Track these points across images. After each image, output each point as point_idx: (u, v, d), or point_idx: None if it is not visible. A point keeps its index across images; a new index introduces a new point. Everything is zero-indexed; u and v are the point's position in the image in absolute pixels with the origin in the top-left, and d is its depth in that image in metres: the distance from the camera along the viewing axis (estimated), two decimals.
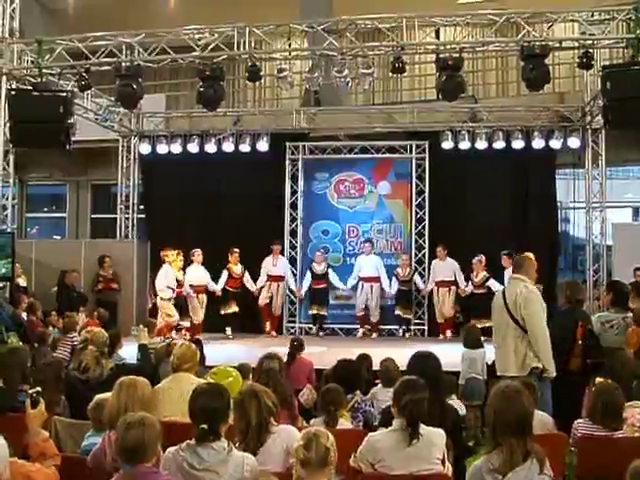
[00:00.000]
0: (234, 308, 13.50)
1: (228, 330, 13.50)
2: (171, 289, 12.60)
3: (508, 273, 11.99)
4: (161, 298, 12.60)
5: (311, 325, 14.31)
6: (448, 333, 13.33)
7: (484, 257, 12.83)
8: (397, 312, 13.82)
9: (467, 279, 13.19)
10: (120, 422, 3.55)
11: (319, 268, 13.94)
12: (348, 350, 8.96)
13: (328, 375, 6.65)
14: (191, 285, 13.12)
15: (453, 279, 13.32)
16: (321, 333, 13.96)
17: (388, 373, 6.80)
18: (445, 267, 13.34)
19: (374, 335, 13.81)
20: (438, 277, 13.43)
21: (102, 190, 17.91)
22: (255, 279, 13.72)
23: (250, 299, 13.81)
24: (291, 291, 14.35)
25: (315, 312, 14.00)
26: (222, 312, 13.48)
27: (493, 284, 12.49)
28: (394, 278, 13.76)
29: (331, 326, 14.36)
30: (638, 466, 3.19)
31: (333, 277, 14.02)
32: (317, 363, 8.27)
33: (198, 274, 13.27)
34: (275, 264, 13.83)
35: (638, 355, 7.06)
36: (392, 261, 14.28)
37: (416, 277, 13.79)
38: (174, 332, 12.45)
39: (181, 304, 12.94)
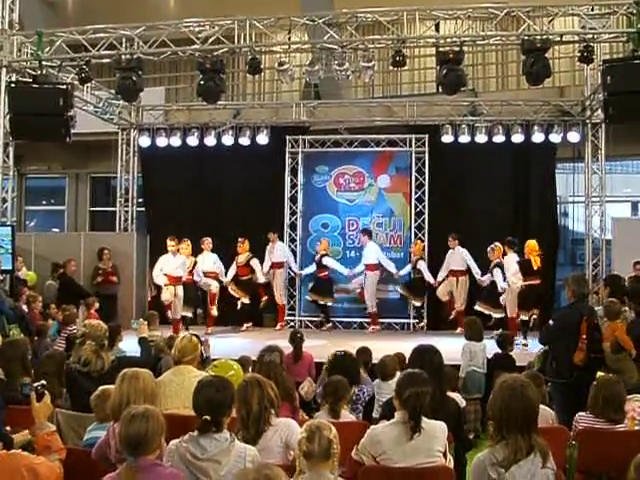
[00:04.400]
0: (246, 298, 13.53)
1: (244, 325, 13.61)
2: (166, 276, 12.55)
3: (510, 259, 11.95)
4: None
5: (311, 318, 14.30)
6: (458, 329, 12.98)
7: (499, 244, 12.31)
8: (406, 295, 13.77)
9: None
10: (124, 414, 3.56)
11: (317, 257, 13.91)
12: (348, 343, 8.98)
13: (326, 368, 6.68)
14: (203, 273, 13.10)
15: (464, 268, 13.12)
16: (326, 326, 13.84)
17: (385, 367, 6.83)
18: (456, 256, 13.20)
19: (370, 329, 13.72)
20: (451, 266, 13.27)
21: (101, 183, 17.93)
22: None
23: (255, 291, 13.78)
24: (291, 277, 14.36)
25: (315, 299, 13.88)
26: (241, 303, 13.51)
27: (497, 273, 12.24)
28: (409, 264, 13.73)
29: (332, 319, 14.34)
30: None
31: (333, 263, 13.90)
32: (317, 356, 8.29)
33: (209, 262, 13.26)
34: (272, 251, 13.81)
35: (614, 349, 7.10)
36: (392, 254, 14.28)
37: (419, 264, 13.49)
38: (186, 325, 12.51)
39: (195, 294, 13.01)
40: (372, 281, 13.63)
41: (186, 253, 12.74)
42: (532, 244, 11.70)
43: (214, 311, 13.26)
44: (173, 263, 12.53)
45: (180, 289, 12.51)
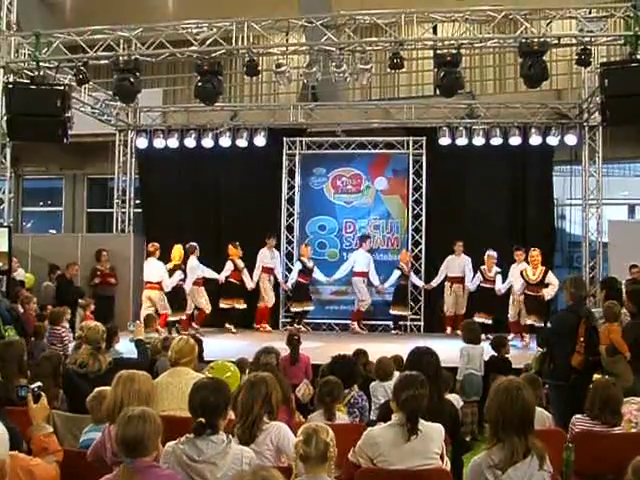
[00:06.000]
0: (238, 304, 13.52)
1: (231, 326, 13.54)
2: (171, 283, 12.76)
3: (519, 267, 12.04)
4: (158, 289, 12.79)
5: (307, 320, 14.21)
6: (448, 330, 13.30)
7: (495, 253, 12.69)
8: (393, 312, 13.74)
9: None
10: (121, 416, 3.54)
11: (310, 264, 13.88)
12: (345, 346, 8.98)
13: (324, 371, 6.67)
14: (195, 280, 13.22)
15: (463, 275, 13.24)
16: (303, 328, 13.71)
17: (383, 367, 6.84)
18: (461, 263, 13.27)
19: (355, 327, 13.73)
20: (452, 272, 13.33)
21: (98, 184, 17.88)
22: (250, 272, 13.66)
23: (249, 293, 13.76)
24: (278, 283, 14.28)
25: (300, 309, 13.84)
26: (223, 305, 13.50)
27: (499, 278, 12.52)
28: (398, 272, 13.67)
29: (327, 321, 14.36)
30: None
31: (318, 274, 14.00)
32: (314, 359, 8.28)
33: (197, 269, 13.34)
34: (273, 257, 13.84)
35: (609, 352, 7.11)
36: (389, 256, 14.29)
37: (412, 275, 13.73)
38: (169, 329, 12.56)
39: (178, 298, 12.98)
40: (360, 284, 13.72)
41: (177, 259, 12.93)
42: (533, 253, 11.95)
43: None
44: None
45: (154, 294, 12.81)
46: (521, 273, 11.99)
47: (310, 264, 13.89)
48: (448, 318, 13.44)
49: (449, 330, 13.24)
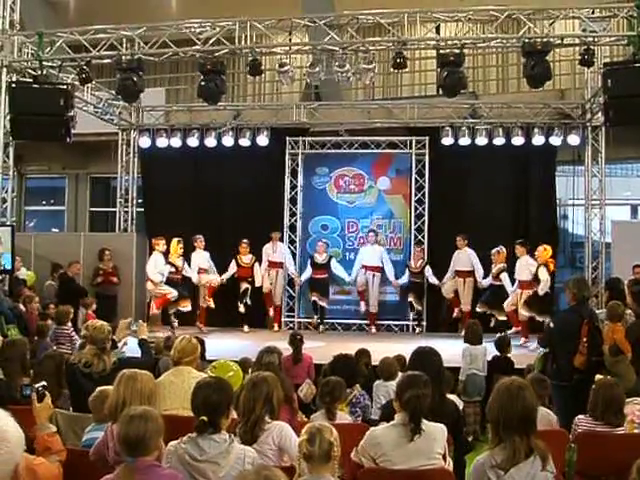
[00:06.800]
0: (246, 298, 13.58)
1: (246, 327, 13.66)
2: (161, 275, 12.71)
3: (522, 262, 12.01)
4: (152, 282, 12.74)
5: (310, 320, 14.27)
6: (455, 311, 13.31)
7: (504, 248, 12.54)
8: (410, 299, 13.73)
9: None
10: (123, 415, 3.54)
11: (320, 258, 13.84)
12: (347, 345, 8.98)
13: (326, 370, 6.68)
14: (199, 269, 13.31)
15: (471, 269, 13.13)
16: (321, 327, 13.81)
17: (386, 367, 6.85)
18: (464, 257, 13.20)
19: (373, 330, 13.82)
20: (460, 266, 13.24)
21: (101, 183, 17.92)
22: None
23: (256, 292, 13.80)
24: (290, 279, 14.28)
25: (315, 299, 13.84)
26: (241, 307, 13.56)
27: (504, 278, 12.42)
28: (406, 270, 13.70)
29: (330, 321, 14.34)
30: None
31: (336, 267, 13.93)
32: (316, 358, 8.28)
33: (202, 260, 13.41)
34: (275, 250, 13.83)
35: (612, 352, 7.11)
36: (392, 256, 14.25)
37: (427, 269, 13.64)
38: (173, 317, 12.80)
39: (180, 290, 13.00)
40: (378, 282, 13.73)
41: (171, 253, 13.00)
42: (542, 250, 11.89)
43: (211, 304, 13.43)
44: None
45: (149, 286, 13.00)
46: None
47: (321, 259, 13.83)
48: (452, 302, 13.41)
49: (456, 312, 13.25)
